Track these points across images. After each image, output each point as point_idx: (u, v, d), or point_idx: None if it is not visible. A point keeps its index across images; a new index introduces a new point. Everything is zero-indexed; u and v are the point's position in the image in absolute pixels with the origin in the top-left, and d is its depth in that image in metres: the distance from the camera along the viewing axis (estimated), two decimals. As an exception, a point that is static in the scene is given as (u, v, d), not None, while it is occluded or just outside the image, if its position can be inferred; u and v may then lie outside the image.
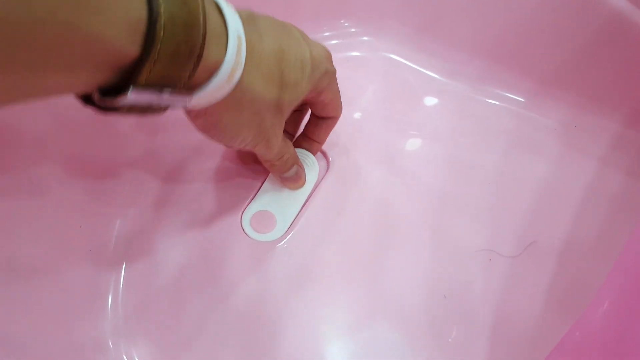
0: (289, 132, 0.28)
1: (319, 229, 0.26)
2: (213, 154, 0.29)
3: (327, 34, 0.34)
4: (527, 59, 0.31)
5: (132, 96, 0.13)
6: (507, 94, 0.33)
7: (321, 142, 0.27)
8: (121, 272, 0.25)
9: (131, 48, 0.13)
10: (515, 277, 0.25)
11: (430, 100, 0.33)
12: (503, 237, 0.26)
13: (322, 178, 0.28)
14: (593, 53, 0.29)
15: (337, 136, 0.30)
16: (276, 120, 0.21)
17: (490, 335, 0.23)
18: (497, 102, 0.33)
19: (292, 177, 0.26)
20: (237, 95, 0.18)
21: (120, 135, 0.27)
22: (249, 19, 0.18)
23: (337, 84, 0.24)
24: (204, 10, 0.14)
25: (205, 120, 0.19)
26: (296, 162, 0.26)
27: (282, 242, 0.26)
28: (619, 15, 0.27)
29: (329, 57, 0.22)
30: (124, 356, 0.23)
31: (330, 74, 0.23)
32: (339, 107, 0.25)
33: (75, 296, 0.23)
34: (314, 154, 0.28)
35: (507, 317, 0.24)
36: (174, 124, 0.29)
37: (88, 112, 0.15)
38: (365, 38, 0.35)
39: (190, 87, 0.15)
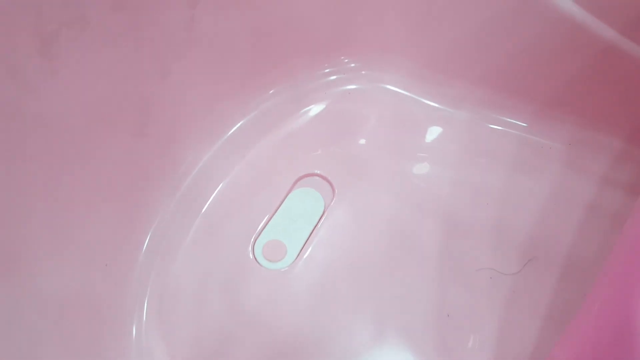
0: None
1: (328, 255, 0.29)
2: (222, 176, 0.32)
3: (327, 70, 0.37)
4: (529, 85, 0.34)
5: None
6: (509, 120, 0.35)
7: None
8: (144, 301, 0.27)
9: None
10: (515, 294, 0.27)
11: (435, 129, 0.35)
12: (505, 256, 0.28)
13: (328, 206, 0.31)
14: (590, 77, 0.31)
15: (342, 163, 0.33)
16: None
17: (493, 351, 0.25)
18: (500, 128, 0.35)
19: None
20: None
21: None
22: None
23: None
24: None
25: None
26: None
27: (293, 269, 0.28)
28: (611, 45, 0.29)
29: None
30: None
31: None
32: None
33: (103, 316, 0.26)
34: None
35: (508, 333, 0.25)
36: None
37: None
38: (364, 72, 0.38)
39: None
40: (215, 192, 0.31)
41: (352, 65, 0.37)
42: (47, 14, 0.21)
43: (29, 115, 0.22)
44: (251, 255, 0.29)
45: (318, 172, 0.32)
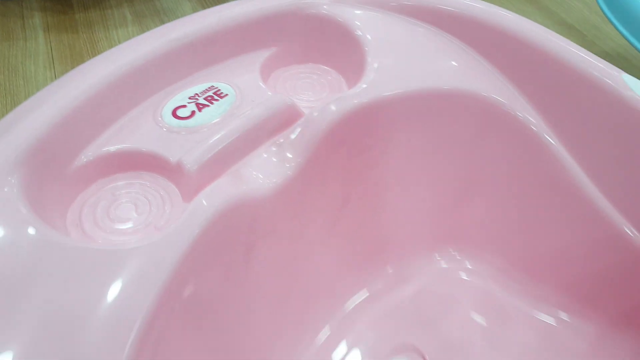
0: None
1: None
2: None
3: (436, 257, 0.42)
4: (614, 301, 0.38)
5: None
6: (582, 322, 0.39)
7: None
8: None
9: None
10: None
11: (518, 320, 0.39)
12: None
13: None
14: None
15: (436, 340, 0.37)
16: None
17: None
18: (575, 328, 0.38)
19: None
20: None
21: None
22: None
23: None
24: None
25: None
26: None
27: None
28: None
29: None
30: None
31: None
32: None
33: None
34: None
35: None
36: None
37: None
38: (467, 262, 0.42)
39: None
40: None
41: (454, 255, 0.42)
42: (255, 231, 0.29)
43: (228, 298, 0.29)
44: None
45: (414, 343, 0.36)
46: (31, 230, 0.22)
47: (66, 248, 0.22)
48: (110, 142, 0.27)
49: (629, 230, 0.34)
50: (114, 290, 0.21)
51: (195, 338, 0.26)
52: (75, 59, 0.56)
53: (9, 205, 0.22)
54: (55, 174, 0.25)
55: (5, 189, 0.22)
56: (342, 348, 0.37)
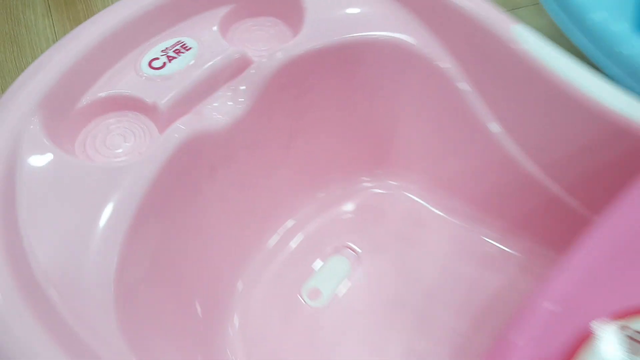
0: None
1: (350, 300, 0.45)
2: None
3: (365, 179, 0.53)
4: (504, 210, 0.48)
5: None
6: (487, 230, 0.49)
7: None
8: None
9: None
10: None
11: (432, 227, 0.50)
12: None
13: (354, 268, 0.47)
14: (541, 214, 0.46)
15: (367, 240, 0.48)
16: None
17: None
18: (479, 235, 0.49)
19: None
20: None
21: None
22: None
23: None
24: None
25: None
26: None
27: (326, 308, 0.44)
28: (555, 197, 0.43)
29: None
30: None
31: None
32: None
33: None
34: None
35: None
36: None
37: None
38: (391, 182, 0.53)
39: None
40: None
41: (384, 176, 0.53)
42: (217, 156, 0.39)
43: (198, 203, 0.40)
44: (299, 296, 0.45)
45: (350, 244, 0.48)
46: (51, 155, 0.32)
47: (76, 166, 0.32)
48: (102, 89, 0.36)
49: (519, 156, 0.43)
50: (111, 194, 0.31)
51: (170, 238, 0.37)
52: (69, 7, 0.63)
53: (35, 137, 0.32)
54: (65, 114, 0.35)
55: (31, 126, 0.32)
56: (297, 239, 0.49)
